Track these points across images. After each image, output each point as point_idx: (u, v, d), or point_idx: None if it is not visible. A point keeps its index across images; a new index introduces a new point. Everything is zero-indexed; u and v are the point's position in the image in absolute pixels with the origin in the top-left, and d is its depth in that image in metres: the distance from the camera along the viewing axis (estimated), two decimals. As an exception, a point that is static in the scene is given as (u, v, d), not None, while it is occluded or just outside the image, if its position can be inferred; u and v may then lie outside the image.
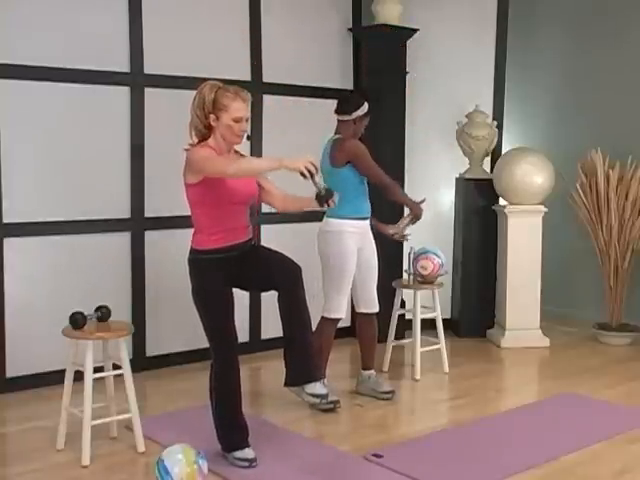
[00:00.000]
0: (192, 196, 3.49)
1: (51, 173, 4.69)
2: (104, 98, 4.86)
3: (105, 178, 4.90)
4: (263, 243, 3.66)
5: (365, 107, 4.45)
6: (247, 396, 3.69)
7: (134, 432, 3.72)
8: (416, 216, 4.53)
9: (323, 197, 3.40)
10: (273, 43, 5.57)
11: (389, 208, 4.81)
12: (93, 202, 4.86)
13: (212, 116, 3.42)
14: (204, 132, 3.48)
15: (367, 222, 4.52)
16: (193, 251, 3.55)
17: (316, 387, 3.42)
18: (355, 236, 4.41)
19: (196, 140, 3.51)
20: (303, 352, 3.44)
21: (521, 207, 5.86)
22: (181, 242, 5.14)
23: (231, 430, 3.59)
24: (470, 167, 6.21)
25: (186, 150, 3.47)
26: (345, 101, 4.51)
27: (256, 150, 5.46)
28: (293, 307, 3.44)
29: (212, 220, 3.47)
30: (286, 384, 3.49)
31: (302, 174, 3.25)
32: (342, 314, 4.47)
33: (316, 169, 3.29)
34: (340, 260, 4.38)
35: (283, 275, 3.45)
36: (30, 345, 4.63)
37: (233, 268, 3.52)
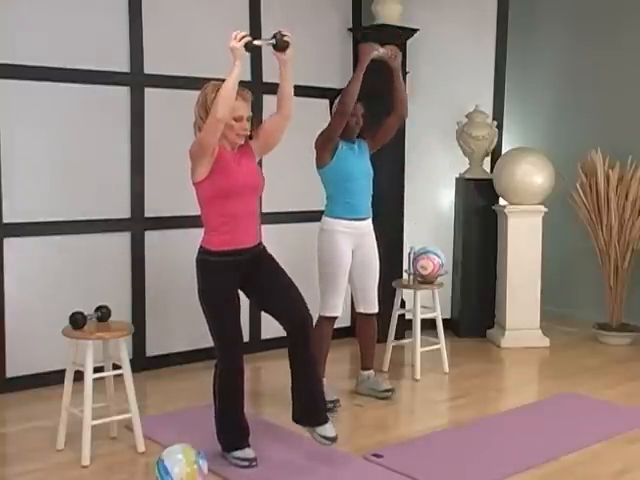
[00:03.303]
0: (201, 193, 3.50)
1: (51, 173, 4.69)
2: (104, 98, 4.86)
3: (105, 178, 4.90)
4: (263, 243, 3.66)
5: (337, 101, 4.44)
6: (247, 396, 3.69)
7: (134, 432, 3.72)
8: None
9: (278, 44, 3.35)
10: (273, 43, 5.56)
11: (389, 208, 4.80)
12: (93, 202, 4.86)
13: None
14: None
15: (365, 222, 4.50)
16: (202, 251, 3.55)
17: (326, 430, 3.54)
18: (348, 236, 4.40)
19: None
20: (310, 390, 3.55)
21: (521, 207, 5.86)
22: (181, 242, 5.18)
23: (232, 430, 3.60)
24: (470, 167, 6.21)
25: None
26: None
27: (256, 150, 5.47)
28: (301, 350, 3.52)
29: (222, 218, 3.46)
30: (294, 420, 3.61)
31: (246, 47, 3.26)
32: (338, 312, 4.46)
33: (246, 34, 3.27)
34: (331, 259, 4.38)
35: (295, 320, 3.51)
36: (30, 345, 4.63)
37: (241, 272, 3.54)
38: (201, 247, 3.56)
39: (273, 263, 3.64)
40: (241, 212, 3.49)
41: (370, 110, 4.49)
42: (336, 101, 4.41)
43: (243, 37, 3.26)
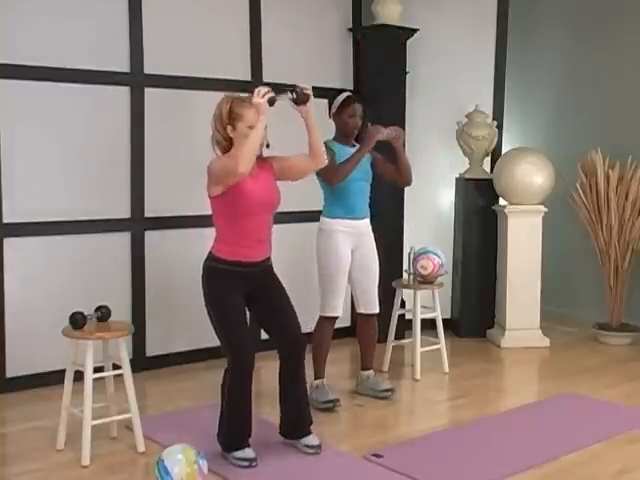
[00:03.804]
0: (215, 206, 3.56)
1: (51, 173, 4.69)
2: (104, 98, 4.86)
3: (105, 178, 4.90)
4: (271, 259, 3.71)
5: (338, 101, 4.44)
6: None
7: (134, 432, 3.72)
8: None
9: (298, 98, 3.49)
10: (273, 43, 5.57)
11: (389, 209, 4.80)
12: (93, 202, 4.85)
13: (229, 127, 3.51)
14: (225, 144, 3.58)
15: (363, 222, 4.51)
16: (211, 257, 3.60)
17: (310, 439, 3.72)
18: (347, 236, 4.40)
19: (219, 153, 3.60)
20: (297, 408, 3.73)
21: (521, 207, 5.86)
22: (181, 242, 5.19)
23: (235, 432, 3.60)
24: (470, 167, 6.21)
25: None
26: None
27: (256, 150, 5.47)
28: (292, 371, 3.68)
29: (234, 231, 3.52)
30: (281, 434, 3.78)
31: (270, 103, 3.37)
32: (338, 312, 4.46)
33: (268, 90, 3.40)
34: (330, 258, 4.38)
35: (289, 345, 3.64)
36: (30, 345, 4.63)
37: (247, 284, 3.58)
38: (210, 253, 3.62)
39: (277, 283, 3.72)
40: (254, 229, 3.54)
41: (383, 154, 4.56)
42: (332, 106, 4.42)
43: (266, 93, 3.38)
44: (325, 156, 3.72)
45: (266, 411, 4.32)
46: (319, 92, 5.57)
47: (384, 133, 4.39)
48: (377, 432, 4.12)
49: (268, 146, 3.55)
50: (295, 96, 3.48)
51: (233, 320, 3.54)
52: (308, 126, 3.59)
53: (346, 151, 4.41)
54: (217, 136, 3.56)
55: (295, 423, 3.74)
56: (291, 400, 3.73)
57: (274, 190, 3.63)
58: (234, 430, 3.59)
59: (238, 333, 3.53)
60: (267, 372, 5.19)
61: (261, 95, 3.37)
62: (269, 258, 3.68)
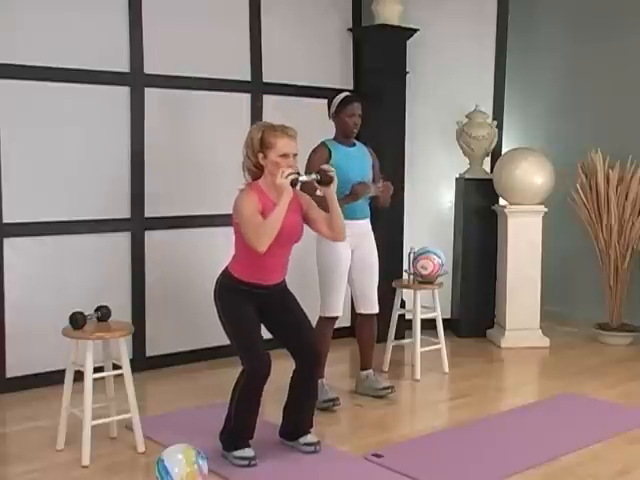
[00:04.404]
0: (237, 230, 3.58)
1: (51, 173, 4.69)
2: (104, 98, 4.86)
3: (105, 178, 4.89)
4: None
5: (337, 101, 4.43)
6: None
7: (134, 432, 3.72)
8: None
9: (322, 180, 3.54)
10: (273, 43, 5.57)
11: (389, 209, 4.79)
12: (93, 202, 4.85)
13: (260, 155, 3.54)
14: (255, 171, 3.62)
15: (364, 222, 4.51)
16: (227, 274, 3.63)
17: (308, 438, 3.74)
18: (347, 236, 4.39)
19: (249, 179, 3.64)
20: (303, 416, 3.75)
21: (521, 207, 5.86)
22: (181, 242, 5.19)
23: (238, 433, 3.61)
24: (470, 167, 6.21)
25: (240, 190, 3.60)
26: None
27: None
28: (306, 384, 3.70)
29: (254, 259, 3.52)
30: (280, 435, 3.80)
31: (292, 183, 3.43)
32: (338, 312, 4.47)
33: (292, 171, 3.44)
34: (330, 258, 4.38)
35: (307, 357, 3.66)
36: (30, 345, 4.63)
37: (261, 302, 3.62)
38: (227, 270, 3.66)
39: (291, 296, 3.75)
40: (274, 259, 3.56)
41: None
42: (331, 106, 4.43)
43: (290, 174, 3.43)
44: (345, 234, 3.76)
45: (266, 411, 4.31)
46: (319, 92, 5.62)
47: (372, 190, 4.41)
48: (377, 432, 4.12)
49: (296, 185, 3.54)
50: (319, 177, 3.55)
51: (248, 328, 3.58)
52: (330, 207, 3.64)
53: (344, 151, 4.40)
54: (248, 163, 3.62)
55: (296, 428, 3.76)
56: (298, 410, 3.75)
57: (298, 226, 3.66)
58: (238, 431, 3.60)
59: (254, 341, 3.56)
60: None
61: (285, 176, 3.42)
62: (284, 280, 3.73)
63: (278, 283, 3.68)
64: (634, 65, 6.25)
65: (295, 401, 3.73)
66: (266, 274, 3.59)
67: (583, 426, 4.19)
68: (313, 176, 3.55)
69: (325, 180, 3.55)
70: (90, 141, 4.82)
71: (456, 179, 6.27)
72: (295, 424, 3.76)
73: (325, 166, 3.59)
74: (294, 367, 3.71)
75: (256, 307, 3.61)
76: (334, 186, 3.59)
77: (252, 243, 3.43)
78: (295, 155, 3.55)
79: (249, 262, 3.54)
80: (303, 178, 3.50)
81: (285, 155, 3.50)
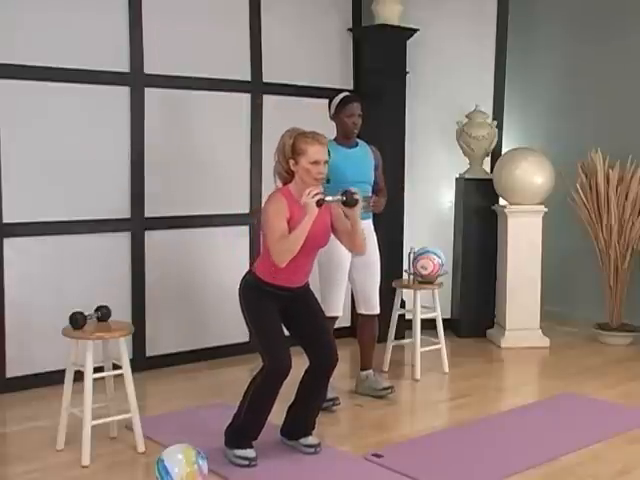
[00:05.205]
0: (265, 236, 3.60)
1: (51, 173, 4.69)
2: (104, 98, 4.86)
3: (105, 178, 4.89)
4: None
5: (336, 101, 4.43)
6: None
7: (134, 432, 3.72)
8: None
9: (347, 202, 3.56)
10: (273, 43, 5.57)
11: (389, 208, 4.79)
12: (93, 202, 4.85)
13: (291, 161, 3.57)
14: (286, 176, 3.65)
15: (365, 223, 4.47)
16: (253, 275, 3.66)
17: (309, 439, 3.75)
18: None
19: (280, 184, 3.67)
20: (308, 417, 3.77)
21: (521, 207, 5.86)
22: (181, 242, 5.19)
23: (245, 432, 3.61)
24: (470, 167, 6.21)
25: (269, 195, 3.63)
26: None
27: (256, 150, 5.47)
28: (317, 387, 3.74)
29: None
30: (282, 434, 3.81)
31: (317, 204, 3.42)
32: (339, 312, 4.46)
33: (318, 192, 3.45)
34: (330, 258, 4.38)
35: (326, 360, 3.69)
36: (30, 345, 4.63)
37: (285, 303, 3.65)
38: (251, 271, 3.70)
39: (313, 300, 3.79)
40: (299, 263, 3.57)
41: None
42: (331, 106, 4.42)
43: (316, 194, 3.44)
44: (365, 248, 3.83)
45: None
46: (319, 92, 5.62)
47: (360, 206, 4.41)
48: (377, 432, 4.11)
49: (328, 181, 3.57)
50: (345, 199, 3.56)
51: (271, 327, 3.60)
52: (353, 227, 3.66)
53: (343, 153, 4.37)
54: (279, 168, 3.65)
55: (299, 428, 3.77)
56: (305, 409, 3.76)
57: (327, 232, 3.69)
58: (245, 428, 3.61)
59: (277, 341, 3.58)
60: (267, 372, 5.20)
61: (311, 196, 3.43)
62: (307, 283, 3.75)
63: (302, 286, 3.70)
64: (634, 65, 6.25)
65: (303, 400, 3.74)
66: (291, 278, 3.61)
67: (583, 426, 4.19)
68: (338, 197, 3.57)
69: (350, 202, 3.57)
70: (90, 141, 4.82)
71: (456, 179, 6.27)
72: (298, 423, 3.76)
73: (351, 188, 3.61)
74: (307, 367, 3.71)
75: (280, 307, 3.63)
76: (359, 208, 3.61)
77: (273, 256, 3.45)
78: (326, 162, 3.57)
79: (273, 264, 3.53)
80: (329, 198, 3.52)
81: (316, 162, 3.53)
